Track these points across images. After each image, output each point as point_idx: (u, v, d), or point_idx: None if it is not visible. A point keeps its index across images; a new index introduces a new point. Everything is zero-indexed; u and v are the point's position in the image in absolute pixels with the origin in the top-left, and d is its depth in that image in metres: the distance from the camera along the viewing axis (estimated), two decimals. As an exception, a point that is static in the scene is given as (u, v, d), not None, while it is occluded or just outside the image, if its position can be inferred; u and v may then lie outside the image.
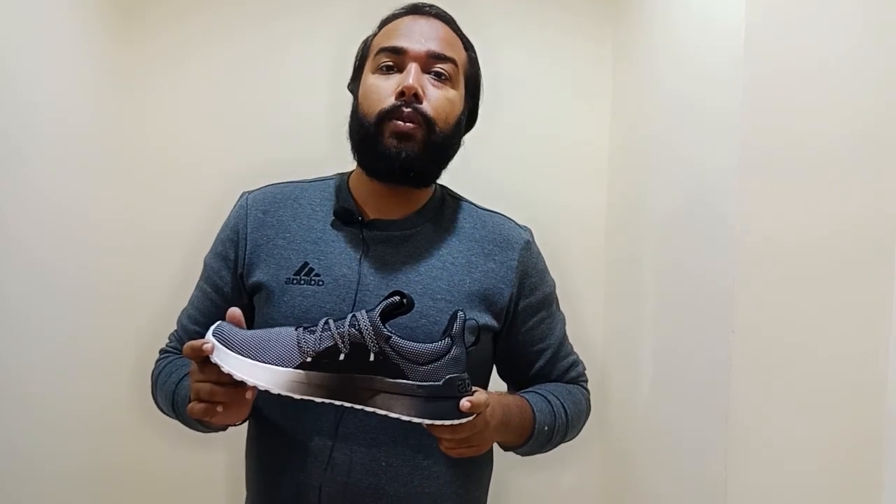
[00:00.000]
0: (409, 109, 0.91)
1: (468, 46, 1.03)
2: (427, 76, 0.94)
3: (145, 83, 1.73)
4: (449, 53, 0.96)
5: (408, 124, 0.91)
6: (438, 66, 0.95)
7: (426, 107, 0.92)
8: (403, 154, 0.92)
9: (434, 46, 0.95)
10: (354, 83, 1.01)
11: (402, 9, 1.01)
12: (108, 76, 1.66)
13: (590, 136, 1.80)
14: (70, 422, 1.51)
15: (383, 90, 0.93)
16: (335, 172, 1.07)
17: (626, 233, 1.68)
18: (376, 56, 0.96)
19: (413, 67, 0.93)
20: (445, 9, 1.02)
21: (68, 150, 1.50)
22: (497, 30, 1.73)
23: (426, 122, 0.92)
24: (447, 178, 1.03)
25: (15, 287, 1.31)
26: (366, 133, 0.94)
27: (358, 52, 1.03)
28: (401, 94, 0.91)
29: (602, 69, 1.79)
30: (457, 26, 1.02)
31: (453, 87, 0.97)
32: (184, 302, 1.06)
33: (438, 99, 0.94)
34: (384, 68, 0.95)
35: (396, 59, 0.94)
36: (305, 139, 1.67)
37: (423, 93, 0.92)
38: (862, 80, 1.06)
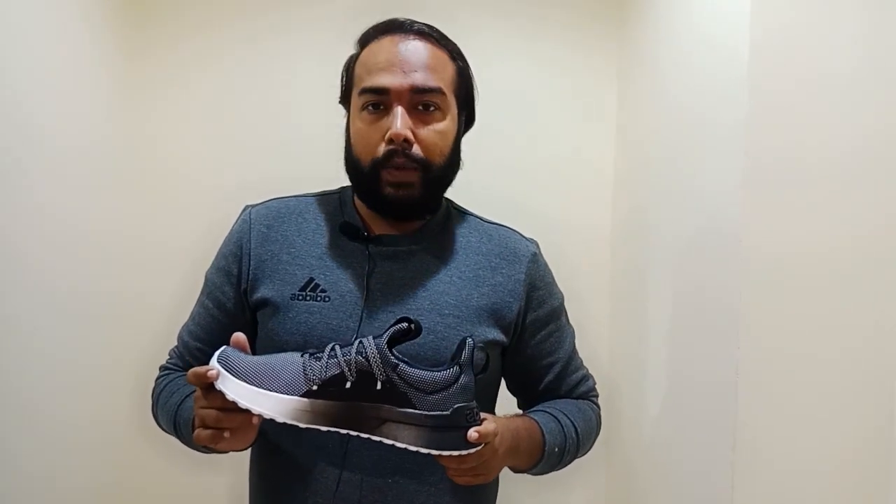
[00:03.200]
0: (401, 159, 0.90)
1: (455, 55, 0.98)
2: (414, 110, 0.92)
3: (149, 98, 1.73)
4: (433, 83, 0.92)
5: (403, 171, 0.91)
6: (424, 99, 0.92)
7: (417, 150, 0.91)
8: (403, 200, 0.92)
9: (417, 79, 0.91)
10: (345, 102, 1.00)
11: (382, 24, 0.97)
12: (111, 91, 1.65)
13: (595, 151, 1.79)
14: (70, 437, 1.49)
15: (373, 138, 0.92)
16: (339, 186, 1.06)
17: (631, 248, 1.67)
18: (360, 95, 0.93)
19: (399, 111, 0.90)
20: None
21: (71, 164, 1.50)
22: (502, 45, 1.73)
23: (421, 164, 0.92)
24: (452, 193, 1.02)
25: (16, 300, 1.30)
26: (362, 178, 0.94)
27: (342, 73, 1.00)
28: (390, 141, 0.90)
29: (607, 85, 1.79)
30: (441, 38, 0.97)
31: (443, 115, 0.94)
32: (186, 316, 1.04)
33: (430, 136, 0.92)
34: (370, 107, 0.93)
35: (380, 99, 0.92)
36: (309, 154, 1.65)
37: (413, 134, 0.91)
38: (866, 94, 1.06)
